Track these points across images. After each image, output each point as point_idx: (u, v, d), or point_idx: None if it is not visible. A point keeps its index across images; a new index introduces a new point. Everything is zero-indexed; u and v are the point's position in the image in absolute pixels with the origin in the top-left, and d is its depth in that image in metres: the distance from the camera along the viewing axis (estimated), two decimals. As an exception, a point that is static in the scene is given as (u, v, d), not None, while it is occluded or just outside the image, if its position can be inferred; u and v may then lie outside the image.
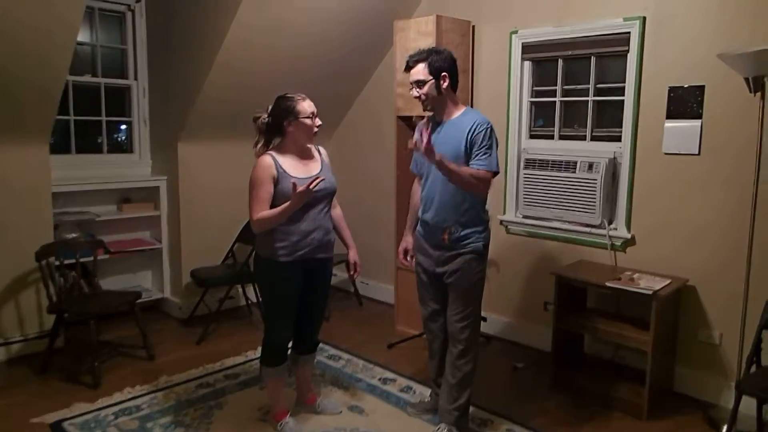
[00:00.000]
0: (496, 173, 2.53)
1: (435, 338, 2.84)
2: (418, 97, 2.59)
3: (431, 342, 2.88)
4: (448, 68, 2.55)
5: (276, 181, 2.50)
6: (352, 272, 2.85)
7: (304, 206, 2.53)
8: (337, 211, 2.81)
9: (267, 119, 2.58)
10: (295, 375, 2.97)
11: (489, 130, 2.50)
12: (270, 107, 2.59)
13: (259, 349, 2.82)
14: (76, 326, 3.68)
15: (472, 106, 3.95)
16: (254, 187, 2.50)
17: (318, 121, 2.57)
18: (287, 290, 2.61)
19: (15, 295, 3.59)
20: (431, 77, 2.53)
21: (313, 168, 2.63)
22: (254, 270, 2.75)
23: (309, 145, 2.66)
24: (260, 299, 2.71)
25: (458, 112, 2.61)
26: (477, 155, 2.49)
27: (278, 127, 2.56)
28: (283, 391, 2.87)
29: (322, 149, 2.76)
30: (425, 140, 2.31)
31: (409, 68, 2.59)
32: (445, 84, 2.55)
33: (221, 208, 4.40)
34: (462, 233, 2.59)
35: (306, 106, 2.54)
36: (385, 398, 3.13)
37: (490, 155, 2.49)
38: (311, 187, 2.38)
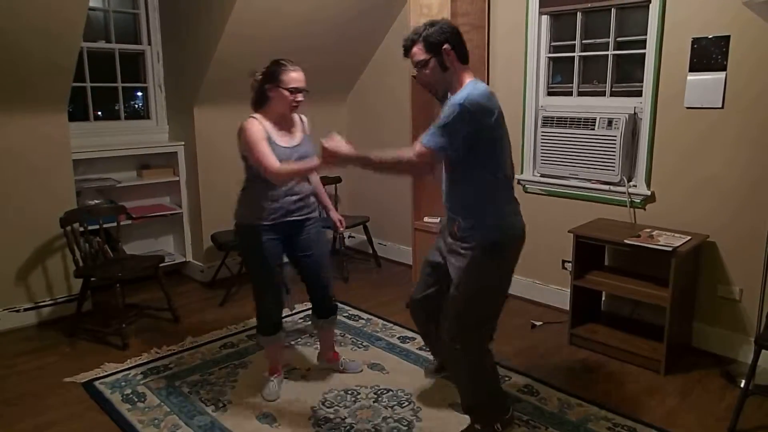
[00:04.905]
0: (435, 151, 2.09)
1: (416, 318, 2.64)
2: (425, 84, 2.26)
3: (415, 321, 2.68)
4: (447, 39, 2.16)
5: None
6: (340, 228, 2.89)
7: None
8: (314, 177, 2.82)
9: (259, 78, 2.57)
10: (319, 338, 3.05)
11: (457, 107, 2.06)
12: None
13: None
14: (103, 290, 3.79)
15: (488, 64, 3.89)
16: (255, 143, 2.44)
17: (299, 97, 2.52)
18: (267, 254, 2.62)
19: (43, 261, 3.70)
20: (431, 54, 2.17)
21: (295, 138, 2.63)
22: (236, 239, 2.75)
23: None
24: (246, 268, 2.74)
25: (459, 88, 2.20)
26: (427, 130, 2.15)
27: (263, 90, 2.55)
28: (282, 353, 2.96)
29: (304, 117, 2.74)
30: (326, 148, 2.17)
31: (407, 53, 2.24)
32: (450, 57, 2.18)
33: (239, 172, 4.40)
34: (464, 229, 2.25)
35: (291, 77, 2.49)
36: (405, 356, 3.19)
37: (436, 131, 2.10)
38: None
